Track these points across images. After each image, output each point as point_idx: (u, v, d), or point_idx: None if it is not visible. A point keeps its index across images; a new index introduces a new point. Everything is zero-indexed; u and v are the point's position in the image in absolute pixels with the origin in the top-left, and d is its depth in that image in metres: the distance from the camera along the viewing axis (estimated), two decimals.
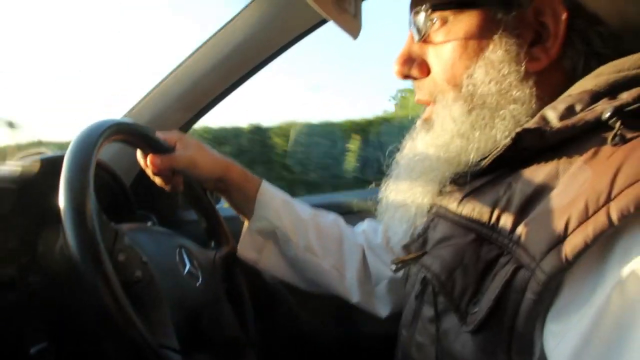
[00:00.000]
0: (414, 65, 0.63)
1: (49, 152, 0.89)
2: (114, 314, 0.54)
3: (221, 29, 1.07)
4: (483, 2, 0.56)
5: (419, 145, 0.64)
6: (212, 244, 0.95)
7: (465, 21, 0.57)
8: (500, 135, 0.55)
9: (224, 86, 1.11)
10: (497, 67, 0.55)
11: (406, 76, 0.64)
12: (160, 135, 0.84)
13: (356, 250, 0.97)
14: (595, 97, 0.49)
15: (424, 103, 0.65)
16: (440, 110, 0.60)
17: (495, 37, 0.55)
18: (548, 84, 0.55)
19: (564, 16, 0.53)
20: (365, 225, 1.03)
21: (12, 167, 0.73)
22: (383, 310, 0.94)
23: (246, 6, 1.04)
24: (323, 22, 1.06)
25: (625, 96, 0.46)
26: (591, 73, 0.52)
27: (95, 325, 0.62)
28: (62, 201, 0.57)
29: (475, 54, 0.56)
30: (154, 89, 1.12)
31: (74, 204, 0.57)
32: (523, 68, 0.54)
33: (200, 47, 1.09)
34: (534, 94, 0.54)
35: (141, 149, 0.82)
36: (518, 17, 0.55)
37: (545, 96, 0.54)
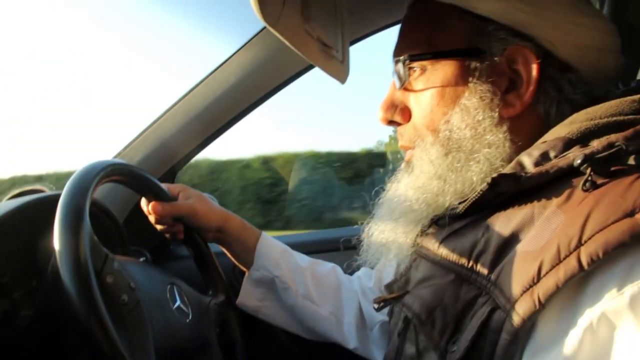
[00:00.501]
0: (396, 112, 0.66)
1: (46, 190, 0.92)
2: (96, 330, 0.55)
3: (214, 70, 1.10)
4: (458, 53, 0.59)
5: (401, 187, 0.66)
6: (210, 291, 0.96)
7: (442, 70, 0.60)
8: (476, 177, 0.58)
9: (217, 126, 1.14)
10: (472, 113, 0.58)
11: (390, 122, 0.67)
12: (164, 186, 0.89)
13: (353, 297, 0.99)
14: (568, 144, 0.51)
15: (406, 149, 0.68)
16: (419, 154, 0.63)
17: (470, 84, 0.59)
18: (522, 128, 0.58)
19: (535, 64, 0.56)
20: (361, 271, 1.05)
21: (12, 203, 0.74)
22: (378, 354, 0.94)
23: (239, 49, 1.07)
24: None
25: (596, 144, 0.49)
26: (565, 120, 0.55)
27: (79, 344, 0.63)
28: (57, 218, 0.60)
29: (451, 101, 0.60)
30: (147, 128, 1.14)
31: (68, 221, 0.60)
32: (497, 114, 0.58)
33: (193, 87, 1.12)
34: (508, 138, 0.58)
35: (140, 192, 0.86)
36: (491, 65, 0.58)
37: (520, 140, 0.58)
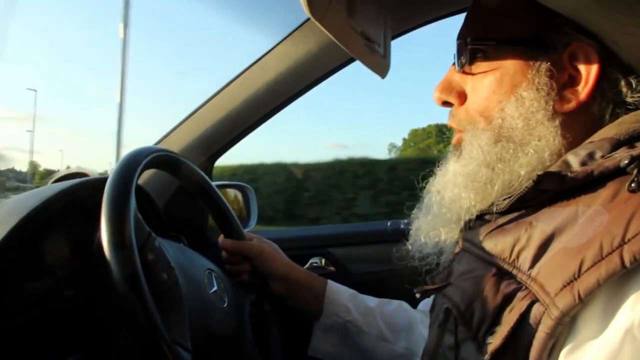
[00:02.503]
0: (452, 93, 0.67)
1: (89, 173, 0.95)
2: (136, 305, 0.58)
3: (252, 64, 1.12)
4: (521, 43, 0.59)
5: (449, 172, 0.66)
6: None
7: (503, 57, 0.61)
8: (524, 170, 0.58)
9: (254, 119, 1.17)
10: (526, 104, 0.58)
11: (444, 102, 0.68)
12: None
13: (422, 327, 1.00)
14: (615, 145, 0.51)
15: (455, 129, 0.68)
16: (469, 139, 0.63)
17: (529, 75, 0.59)
18: (574, 125, 0.58)
19: (596, 63, 0.56)
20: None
21: (57, 186, 0.77)
22: None
23: (278, 43, 1.09)
24: (352, 59, 1.11)
25: None
26: (614, 121, 0.54)
27: (118, 320, 0.66)
28: (105, 195, 0.63)
29: (509, 90, 0.60)
30: (187, 118, 1.17)
31: (116, 197, 0.63)
32: (551, 107, 0.58)
33: (233, 80, 1.14)
34: (559, 133, 0.57)
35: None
36: (553, 59, 0.58)
37: (571, 137, 0.58)
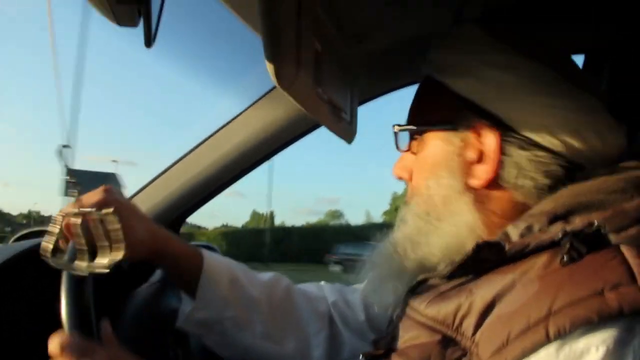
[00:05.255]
0: (404, 171, 0.72)
1: None
2: None
3: (221, 127, 1.14)
4: (435, 124, 0.66)
5: (395, 235, 0.70)
6: None
7: (428, 139, 0.67)
8: (450, 240, 0.62)
9: (222, 180, 1.17)
10: (443, 182, 0.64)
11: (399, 177, 0.73)
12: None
13: (319, 324, 0.89)
14: (552, 218, 0.55)
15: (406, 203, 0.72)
16: (409, 209, 0.68)
17: (445, 154, 0.64)
18: (491, 200, 0.62)
19: (494, 141, 0.60)
20: (330, 292, 0.95)
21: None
22: None
23: (246, 108, 1.11)
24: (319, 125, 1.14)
25: (577, 221, 0.53)
26: (553, 195, 0.58)
27: None
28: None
29: (432, 167, 0.66)
30: (154, 179, 1.18)
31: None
32: (463, 184, 0.62)
33: (202, 142, 1.16)
34: (473, 207, 0.61)
35: None
36: (463, 138, 0.63)
37: (488, 211, 0.62)
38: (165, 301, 0.96)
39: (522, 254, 0.53)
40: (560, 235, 0.51)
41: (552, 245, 0.52)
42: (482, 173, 0.61)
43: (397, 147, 0.72)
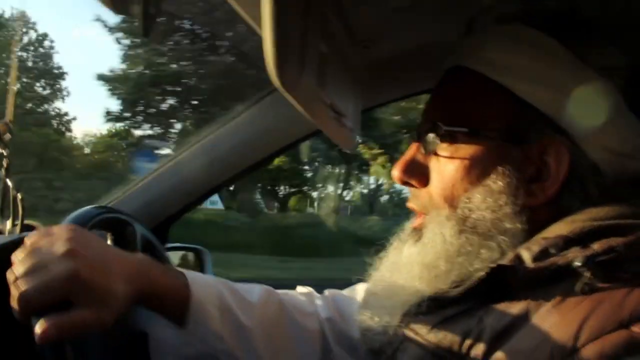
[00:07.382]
0: (414, 175, 0.63)
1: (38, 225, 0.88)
2: None
3: (215, 129, 1.11)
4: (493, 132, 0.57)
5: (404, 257, 0.62)
6: None
7: (473, 146, 0.58)
8: (481, 265, 0.55)
9: (214, 184, 1.14)
10: (495, 197, 0.56)
11: (405, 183, 0.64)
12: None
13: (311, 344, 0.83)
14: (568, 243, 0.50)
15: (416, 212, 0.65)
16: (431, 226, 0.60)
17: (499, 167, 0.56)
18: (540, 220, 0.55)
19: (566, 161, 0.54)
20: (323, 307, 0.88)
21: None
22: None
23: (246, 108, 1.08)
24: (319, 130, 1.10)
25: (596, 246, 0.48)
26: (566, 218, 0.53)
27: None
28: None
29: (477, 179, 0.57)
30: (142, 179, 1.14)
31: None
32: (520, 202, 0.55)
33: (194, 142, 1.12)
34: (526, 229, 0.55)
35: None
36: (523, 151, 0.56)
37: (535, 232, 0.55)
38: (132, 321, 0.86)
39: (537, 281, 0.49)
40: (578, 263, 0.47)
41: (569, 272, 0.47)
42: (540, 192, 0.55)
43: (426, 147, 0.61)
